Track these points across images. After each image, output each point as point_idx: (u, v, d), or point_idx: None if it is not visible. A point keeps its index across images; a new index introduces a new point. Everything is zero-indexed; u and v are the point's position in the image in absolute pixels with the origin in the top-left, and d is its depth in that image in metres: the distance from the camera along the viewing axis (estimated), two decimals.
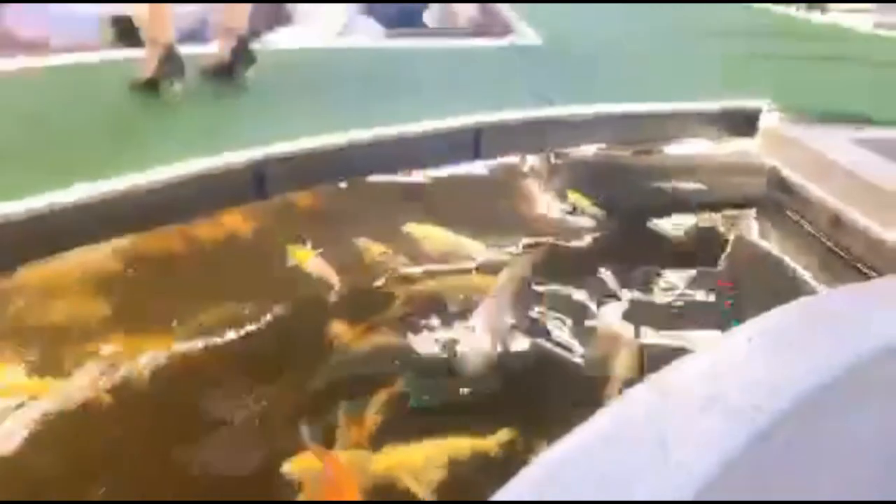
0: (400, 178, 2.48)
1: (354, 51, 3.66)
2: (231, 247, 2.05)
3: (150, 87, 2.44)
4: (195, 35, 4.40)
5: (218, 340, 1.76)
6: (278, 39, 4.35)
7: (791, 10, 8.14)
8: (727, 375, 1.20)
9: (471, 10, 6.49)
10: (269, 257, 2.01)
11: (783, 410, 1.13)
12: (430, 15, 8.26)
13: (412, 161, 2.36)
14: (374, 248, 2.17)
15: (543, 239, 2.55)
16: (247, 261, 2.05)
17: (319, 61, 3.38)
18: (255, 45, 4.04)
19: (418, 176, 2.56)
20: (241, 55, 2.61)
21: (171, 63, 2.37)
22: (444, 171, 2.55)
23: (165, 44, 2.37)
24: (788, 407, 1.14)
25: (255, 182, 1.95)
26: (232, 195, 1.95)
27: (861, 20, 8.60)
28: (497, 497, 0.91)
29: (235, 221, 2.07)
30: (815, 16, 8.93)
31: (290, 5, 4.78)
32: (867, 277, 2.19)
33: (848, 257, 2.33)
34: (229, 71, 2.64)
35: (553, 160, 2.76)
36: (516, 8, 5.14)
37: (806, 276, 2.48)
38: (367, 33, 4.60)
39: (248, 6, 2.62)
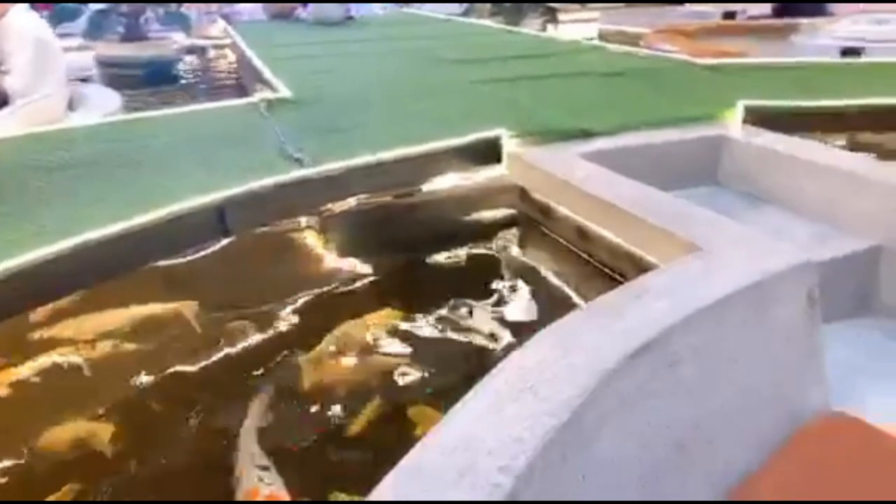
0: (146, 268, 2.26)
1: (82, 130, 3.30)
2: None
3: None
4: None
5: None
6: None
7: (530, 28, 9.02)
8: (476, 439, 1.20)
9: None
10: None
11: (529, 464, 1.16)
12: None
13: (152, 253, 2.16)
14: None
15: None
16: None
17: (39, 150, 3.01)
18: None
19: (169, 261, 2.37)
20: None
21: None
22: (196, 252, 2.39)
23: None
24: (533, 458, 1.17)
25: None
26: None
27: (587, 29, 9.77)
28: None
29: None
30: (551, 29, 9.98)
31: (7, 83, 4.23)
32: (616, 282, 2.41)
33: (598, 265, 2.55)
34: None
35: (313, 219, 2.71)
36: (265, 60, 5.06)
37: (565, 287, 2.68)
38: (101, 106, 4.20)
39: None
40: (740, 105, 3.37)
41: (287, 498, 1.75)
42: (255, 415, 1.98)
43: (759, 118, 3.31)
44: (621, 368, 1.41)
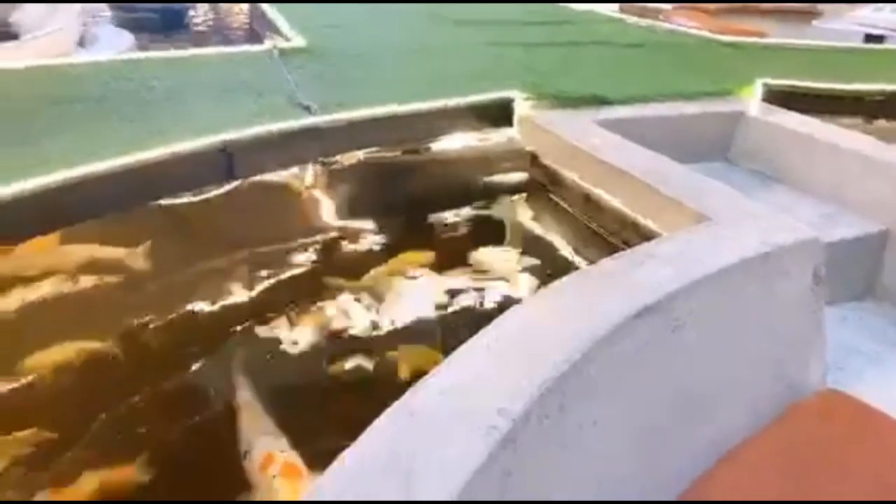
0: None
1: (91, 66, 3.25)
2: None
3: None
4: None
5: None
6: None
7: None
8: (475, 382, 1.20)
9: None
10: None
11: (527, 410, 1.16)
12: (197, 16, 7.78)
13: (155, 191, 2.14)
14: None
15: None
16: None
17: (47, 82, 2.97)
18: None
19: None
20: None
21: None
22: (201, 195, 2.37)
23: None
24: (531, 405, 1.17)
25: None
26: None
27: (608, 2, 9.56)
28: None
29: None
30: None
31: (14, 17, 4.18)
32: (619, 250, 2.39)
33: (603, 233, 2.53)
34: None
35: (320, 169, 2.68)
36: (282, 9, 4.98)
37: (569, 253, 2.67)
38: (113, 45, 4.14)
39: None
40: (759, 83, 3.32)
41: (301, 465, 1.73)
42: (255, 378, 1.97)
43: (778, 97, 3.26)
44: (623, 328, 1.40)
